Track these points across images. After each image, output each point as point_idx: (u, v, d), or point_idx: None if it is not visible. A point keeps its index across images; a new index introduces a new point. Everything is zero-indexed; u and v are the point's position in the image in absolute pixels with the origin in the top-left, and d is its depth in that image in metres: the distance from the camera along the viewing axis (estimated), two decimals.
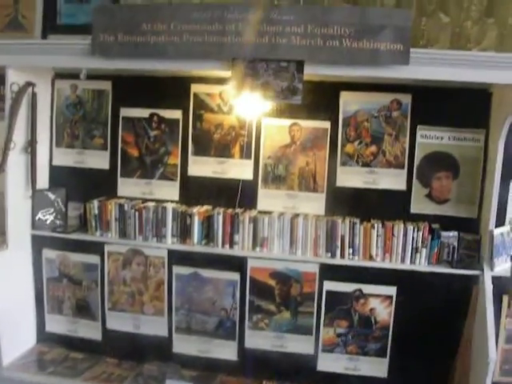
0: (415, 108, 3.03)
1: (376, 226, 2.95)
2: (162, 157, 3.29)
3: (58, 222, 3.35)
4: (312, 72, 2.61)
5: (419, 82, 2.72)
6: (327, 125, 3.11)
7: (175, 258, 3.26)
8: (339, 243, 2.98)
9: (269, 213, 3.11)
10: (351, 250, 2.97)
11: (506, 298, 2.86)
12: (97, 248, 3.33)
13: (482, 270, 2.84)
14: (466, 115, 2.98)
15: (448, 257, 2.93)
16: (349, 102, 3.07)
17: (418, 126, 3.04)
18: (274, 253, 3.06)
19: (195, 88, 3.20)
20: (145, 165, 3.31)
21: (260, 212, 3.14)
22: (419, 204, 3.08)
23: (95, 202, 3.21)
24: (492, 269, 2.82)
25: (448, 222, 3.01)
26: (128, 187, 3.33)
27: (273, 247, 3.05)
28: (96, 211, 3.20)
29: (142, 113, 3.27)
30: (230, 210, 3.12)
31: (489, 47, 2.97)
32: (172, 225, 3.12)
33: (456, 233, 2.94)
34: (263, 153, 3.18)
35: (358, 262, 2.98)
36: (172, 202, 3.24)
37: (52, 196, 3.32)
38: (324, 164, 3.13)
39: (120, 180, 3.34)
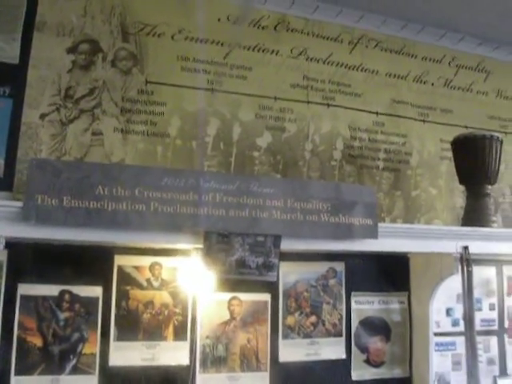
0: (348, 275, 3.08)
1: None
2: (75, 345, 2.62)
3: None
4: (289, 247, 2.47)
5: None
6: (268, 297, 2.93)
7: None
8: None
9: None
10: None
11: None
12: None
13: None
14: (389, 279, 3.15)
15: None
16: (288, 273, 2.97)
17: (352, 293, 3.08)
18: None
19: (120, 260, 2.73)
20: (51, 356, 2.58)
21: None
22: (359, 370, 3.04)
23: None
24: None
25: None
26: None
27: None
28: None
29: (49, 290, 2.61)
30: None
31: (398, 217, 3.28)
32: None
33: None
34: (201, 332, 2.80)
35: None
36: None
37: None
38: (266, 339, 2.89)
39: (14, 379, 2.53)
